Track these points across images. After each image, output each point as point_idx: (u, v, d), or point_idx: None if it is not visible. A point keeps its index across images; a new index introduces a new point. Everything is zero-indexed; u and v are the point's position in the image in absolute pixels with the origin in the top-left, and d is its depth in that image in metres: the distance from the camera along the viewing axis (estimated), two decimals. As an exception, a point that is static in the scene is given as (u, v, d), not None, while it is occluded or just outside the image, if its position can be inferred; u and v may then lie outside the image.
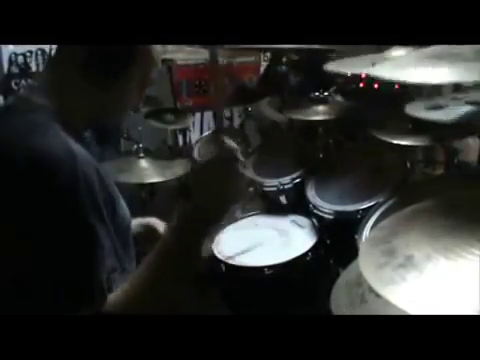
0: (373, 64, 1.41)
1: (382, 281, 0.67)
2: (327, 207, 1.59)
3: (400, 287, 0.66)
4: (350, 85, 2.15)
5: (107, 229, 0.94)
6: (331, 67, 1.54)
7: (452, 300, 0.64)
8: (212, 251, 1.58)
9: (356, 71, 1.47)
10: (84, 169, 0.90)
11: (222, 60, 2.41)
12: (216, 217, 1.01)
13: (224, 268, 1.53)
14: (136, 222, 1.29)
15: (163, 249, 0.98)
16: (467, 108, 1.32)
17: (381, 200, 1.46)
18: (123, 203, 1.09)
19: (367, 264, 0.72)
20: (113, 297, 0.92)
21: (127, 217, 1.10)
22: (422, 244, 0.71)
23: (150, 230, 1.36)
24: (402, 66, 1.10)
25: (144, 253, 1.02)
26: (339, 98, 2.02)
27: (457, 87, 1.65)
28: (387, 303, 0.64)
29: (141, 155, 2.13)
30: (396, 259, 0.70)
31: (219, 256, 1.55)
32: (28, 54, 2.89)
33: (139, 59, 1.03)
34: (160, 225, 1.39)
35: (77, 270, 0.89)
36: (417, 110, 1.41)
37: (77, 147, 0.93)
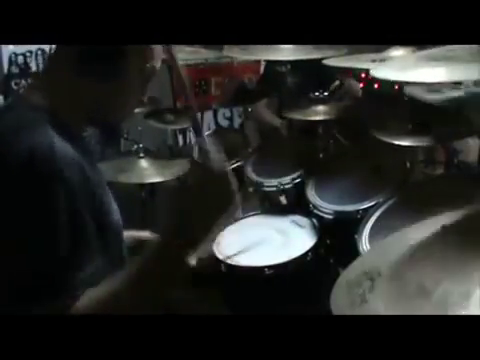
0: (373, 60, 1.42)
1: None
2: (327, 207, 1.59)
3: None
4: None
5: (85, 227, 0.94)
6: (331, 62, 1.54)
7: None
8: (212, 251, 1.57)
9: (356, 66, 1.47)
10: (63, 168, 0.91)
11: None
12: (199, 234, 0.97)
13: (224, 268, 1.53)
14: (129, 234, 1.27)
15: (148, 256, 0.97)
16: (465, 94, 1.33)
17: (381, 200, 1.46)
18: (113, 204, 1.09)
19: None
20: (94, 293, 0.92)
21: (116, 218, 1.09)
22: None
23: (142, 245, 1.34)
24: (401, 67, 1.10)
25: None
26: (353, 82, 2.01)
27: (457, 83, 1.66)
28: (387, 303, 0.64)
29: (141, 155, 2.12)
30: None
31: (219, 256, 1.55)
32: (28, 54, 2.89)
33: (135, 51, 1.01)
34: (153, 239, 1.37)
35: (46, 265, 0.89)
36: (417, 91, 1.42)
37: (62, 146, 0.93)
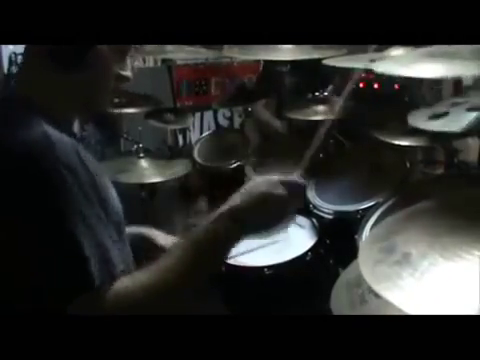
0: (372, 60, 1.42)
1: (378, 277, 0.67)
2: (327, 207, 1.59)
3: (395, 284, 0.66)
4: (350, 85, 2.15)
5: (92, 216, 0.93)
6: (331, 62, 1.54)
7: (448, 299, 0.64)
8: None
9: (355, 66, 1.47)
10: (63, 157, 0.91)
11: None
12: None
13: (224, 268, 1.53)
14: (131, 230, 1.25)
15: (195, 245, 0.96)
16: (468, 115, 1.32)
17: (381, 200, 1.46)
18: (114, 192, 1.08)
19: (365, 260, 0.72)
20: (125, 284, 0.90)
21: (117, 205, 1.07)
22: (420, 242, 0.71)
23: (145, 240, 1.33)
24: (401, 63, 1.10)
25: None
26: (336, 98, 2.02)
27: (457, 89, 1.66)
28: (387, 303, 0.64)
29: (141, 155, 2.12)
30: (394, 256, 0.70)
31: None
32: (28, 54, 2.89)
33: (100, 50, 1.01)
34: (157, 235, 1.36)
35: (52, 260, 0.88)
36: (419, 120, 1.41)
37: (57, 135, 0.93)
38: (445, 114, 1.36)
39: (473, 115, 1.30)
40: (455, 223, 0.74)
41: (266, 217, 1.03)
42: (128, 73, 1.09)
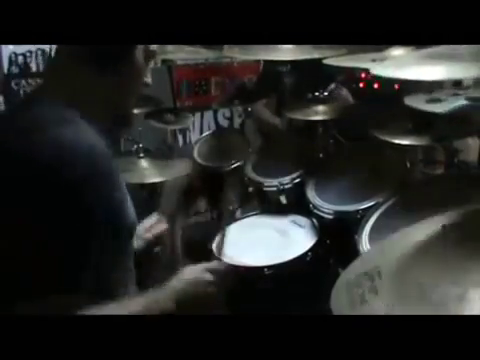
0: (373, 60, 1.42)
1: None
2: (327, 207, 1.59)
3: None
4: (350, 84, 2.15)
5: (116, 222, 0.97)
6: (331, 62, 1.54)
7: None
8: (212, 251, 1.58)
9: (356, 65, 1.47)
10: (98, 160, 0.92)
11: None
12: None
13: (224, 268, 1.53)
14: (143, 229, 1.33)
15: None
16: (466, 102, 1.33)
17: (381, 200, 1.46)
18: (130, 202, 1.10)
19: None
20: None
21: (133, 215, 1.10)
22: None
23: (156, 238, 1.39)
24: (402, 64, 1.10)
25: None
26: (344, 92, 2.02)
27: (457, 83, 1.66)
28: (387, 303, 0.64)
29: (141, 155, 2.12)
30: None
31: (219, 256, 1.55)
32: (28, 54, 2.89)
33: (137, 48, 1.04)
34: (163, 226, 1.42)
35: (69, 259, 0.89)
36: (416, 102, 1.42)
37: (93, 139, 0.94)
38: (443, 100, 1.37)
39: (470, 103, 1.31)
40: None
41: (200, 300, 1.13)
42: (149, 79, 1.11)
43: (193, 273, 1.16)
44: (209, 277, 1.17)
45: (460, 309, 0.65)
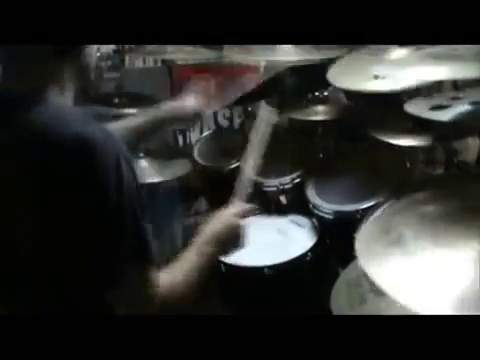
0: (375, 77, 1.41)
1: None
2: (327, 207, 1.59)
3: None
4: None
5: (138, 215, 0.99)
6: (331, 77, 1.53)
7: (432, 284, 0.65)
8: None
9: (358, 86, 1.46)
10: (122, 152, 0.93)
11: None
12: None
13: (224, 268, 1.53)
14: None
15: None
16: (469, 108, 1.32)
17: (381, 200, 1.46)
18: None
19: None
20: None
21: None
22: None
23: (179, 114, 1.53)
24: (403, 65, 1.10)
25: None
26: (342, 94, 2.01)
27: (456, 85, 1.65)
28: (387, 303, 0.65)
29: (141, 155, 2.12)
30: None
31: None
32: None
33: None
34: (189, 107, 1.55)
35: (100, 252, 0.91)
36: (419, 109, 1.41)
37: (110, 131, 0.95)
38: (447, 106, 1.36)
39: (473, 108, 1.30)
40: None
41: (234, 242, 1.21)
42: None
43: (227, 217, 1.22)
44: (240, 220, 1.23)
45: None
